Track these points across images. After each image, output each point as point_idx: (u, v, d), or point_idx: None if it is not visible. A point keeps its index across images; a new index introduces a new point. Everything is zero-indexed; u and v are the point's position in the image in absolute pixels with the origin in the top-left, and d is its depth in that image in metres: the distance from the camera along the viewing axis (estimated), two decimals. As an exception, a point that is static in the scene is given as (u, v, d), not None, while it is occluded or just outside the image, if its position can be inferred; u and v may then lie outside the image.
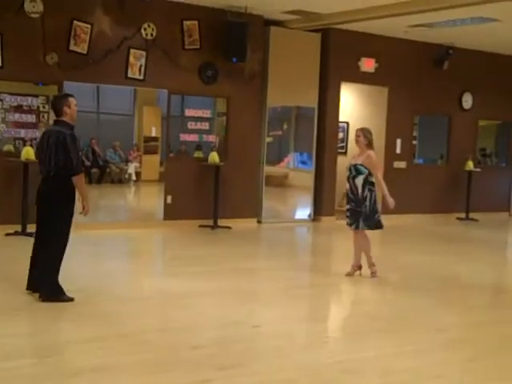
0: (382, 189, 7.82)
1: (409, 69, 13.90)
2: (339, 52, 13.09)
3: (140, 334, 5.62)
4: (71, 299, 6.30)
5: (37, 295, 6.32)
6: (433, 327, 6.15)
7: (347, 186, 7.95)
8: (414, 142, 14.82)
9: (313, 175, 13.30)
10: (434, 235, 12.54)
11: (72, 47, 10.45)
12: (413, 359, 5.20)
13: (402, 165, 14.23)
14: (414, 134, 14.75)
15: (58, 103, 6.40)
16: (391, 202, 7.86)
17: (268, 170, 12.99)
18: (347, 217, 7.96)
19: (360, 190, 7.77)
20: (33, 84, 10.53)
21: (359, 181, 7.77)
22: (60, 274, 7.74)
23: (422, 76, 14.08)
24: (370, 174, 7.78)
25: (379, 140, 13.89)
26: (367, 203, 7.76)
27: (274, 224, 12.63)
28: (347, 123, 14.22)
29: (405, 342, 5.62)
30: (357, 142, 7.96)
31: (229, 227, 11.67)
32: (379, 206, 8.01)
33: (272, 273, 8.35)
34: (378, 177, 7.83)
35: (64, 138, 6.12)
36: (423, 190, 14.36)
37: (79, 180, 6.22)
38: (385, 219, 13.45)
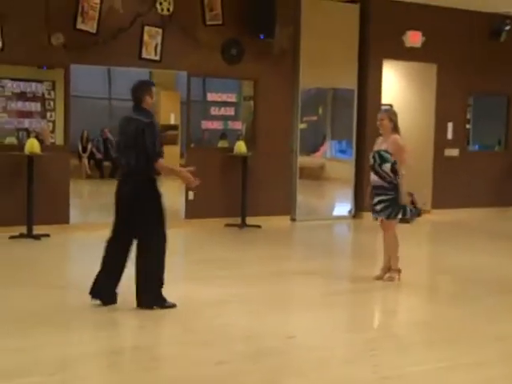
0: (401, 184, 7.66)
1: (461, 43, 13.74)
2: (381, 25, 12.98)
3: (158, 347, 5.63)
4: (174, 305, 6.52)
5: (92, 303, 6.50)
6: (491, 337, 6.05)
7: (373, 177, 7.83)
8: (468, 126, 14.66)
9: (353, 166, 13.23)
10: (491, 232, 12.39)
11: (79, 26, 10.49)
12: (470, 373, 5.12)
13: (454, 152, 14.09)
14: (468, 116, 14.60)
15: (138, 90, 6.52)
16: (404, 201, 7.70)
17: (302, 160, 12.95)
18: (381, 210, 7.77)
19: (394, 177, 7.64)
20: (36, 68, 10.62)
21: (387, 168, 7.67)
22: (69, 280, 7.82)
23: (476, 50, 13.91)
24: (395, 162, 7.67)
25: (427, 125, 13.85)
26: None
27: (309, 222, 12.58)
28: (391, 106, 14.08)
29: (460, 354, 5.55)
30: (381, 125, 7.83)
31: (258, 226, 11.65)
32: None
33: (307, 277, 8.30)
34: (401, 166, 7.65)
35: (143, 129, 6.29)
36: (479, 181, 14.20)
37: (162, 167, 6.38)
38: (435, 214, 13.51)
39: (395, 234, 7.89)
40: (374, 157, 7.78)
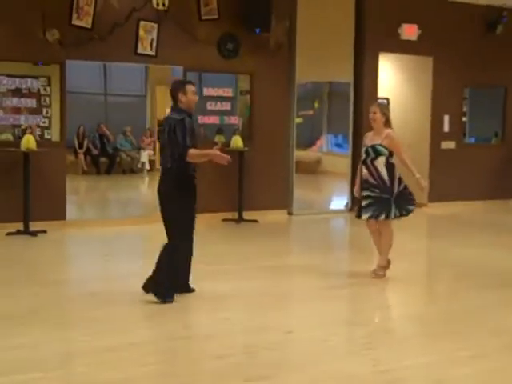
0: (412, 171, 7.65)
1: (457, 35, 13.72)
2: (376, 18, 12.96)
3: (158, 342, 5.63)
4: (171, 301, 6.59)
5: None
6: (490, 330, 6.06)
7: (364, 171, 7.81)
8: (464, 119, 14.66)
9: (349, 159, 13.20)
10: (489, 225, 12.40)
11: (75, 21, 10.46)
12: (468, 366, 5.14)
13: (450, 145, 14.09)
14: (464, 109, 14.60)
15: (173, 89, 6.77)
16: (425, 185, 7.75)
17: (298, 154, 12.93)
18: (366, 206, 7.73)
19: (384, 173, 7.63)
20: (32, 64, 10.57)
21: (380, 163, 7.64)
22: (66, 276, 7.80)
23: (473, 43, 13.90)
24: (390, 155, 7.68)
25: (424, 117, 13.85)
26: (395, 188, 7.64)
27: (306, 216, 12.58)
28: (387, 99, 14.11)
29: (458, 347, 5.55)
30: (373, 120, 7.76)
31: (256, 221, 11.65)
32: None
33: (305, 271, 8.31)
34: (404, 158, 7.67)
35: (174, 126, 6.49)
36: (476, 174, 14.21)
37: (192, 156, 6.51)
38: (431, 207, 13.52)
39: (391, 231, 7.87)
40: (367, 151, 7.76)
